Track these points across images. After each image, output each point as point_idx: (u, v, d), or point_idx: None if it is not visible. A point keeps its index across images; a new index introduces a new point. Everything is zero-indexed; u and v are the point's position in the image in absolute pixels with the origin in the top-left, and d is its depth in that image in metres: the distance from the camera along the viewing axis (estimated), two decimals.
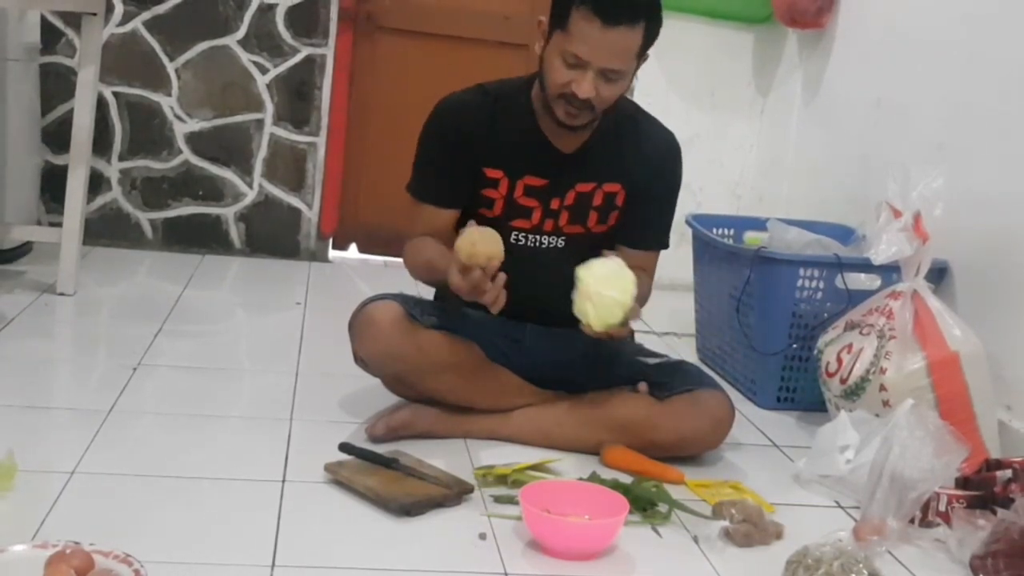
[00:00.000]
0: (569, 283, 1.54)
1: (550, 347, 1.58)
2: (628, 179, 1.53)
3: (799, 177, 2.55)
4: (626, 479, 1.41)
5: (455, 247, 1.32)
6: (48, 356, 1.84)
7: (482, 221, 1.50)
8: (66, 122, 2.30)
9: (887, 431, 1.39)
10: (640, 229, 1.55)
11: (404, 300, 1.51)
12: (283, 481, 1.34)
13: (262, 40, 2.59)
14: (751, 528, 1.29)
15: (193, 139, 2.61)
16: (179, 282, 2.34)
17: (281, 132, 2.65)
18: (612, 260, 1.37)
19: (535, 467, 1.43)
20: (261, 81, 2.61)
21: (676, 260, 2.39)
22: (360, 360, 1.54)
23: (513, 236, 1.52)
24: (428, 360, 1.48)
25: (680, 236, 2.31)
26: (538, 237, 1.53)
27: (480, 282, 1.30)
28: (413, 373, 1.50)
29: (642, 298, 1.50)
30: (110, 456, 1.37)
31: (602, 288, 1.32)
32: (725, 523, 1.28)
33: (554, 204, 1.51)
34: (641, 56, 1.42)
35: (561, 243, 1.54)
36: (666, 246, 1.60)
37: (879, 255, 1.62)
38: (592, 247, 1.57)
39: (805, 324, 1.86)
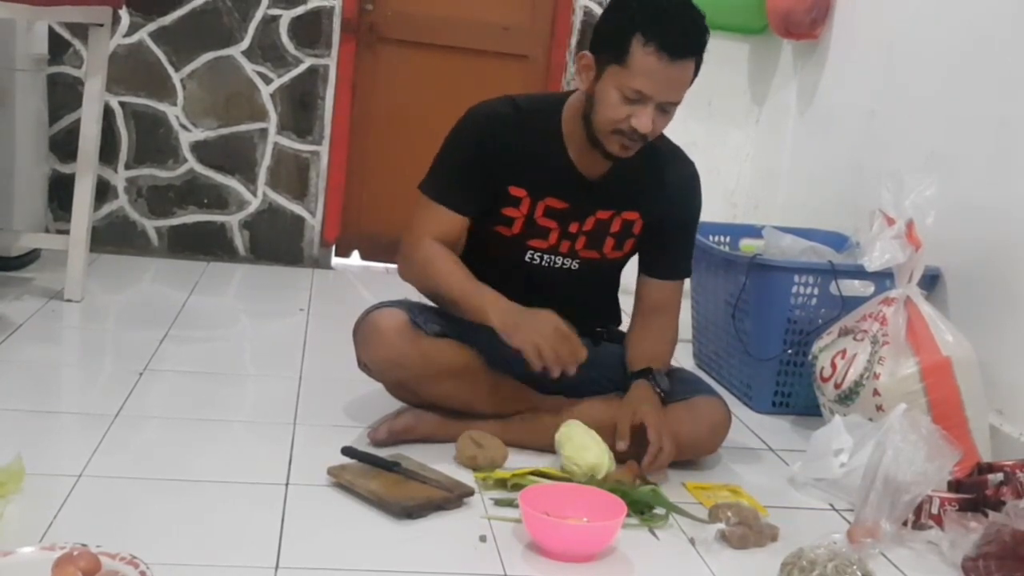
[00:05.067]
0: (579, 304, 1.54)
1: None
2: (647, 207, 1.54)
3: (794, 185, 2.58)
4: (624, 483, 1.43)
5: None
6: (55, 361, 1.87)
7: (499, 239, 1.53)
8: (73, 131, 2.33)
9: (880, 435, 1.41)
10: (664, 260, 1.58)
11: (408, 307, 1.53)
12: (287, 484, 1.36)
13: (266, 51, 2.62)
14: (746, 530, 1.31)
15: (198, 148, 2.64)
16: (184, 288, 2.36)
17: (285, 141, 2.68)
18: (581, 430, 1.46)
19: (535, 471, 1.45)
20: (265, 91, 2.64)
21: None
22: (364, 366, 1.55)
23: (528, 255, 1.53)
24: (431, 367, 1.49)
25: None
26: (553, 258, 1.54)
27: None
28: (416, 379, 1.51)
29: (671, 343, 1.59)
30: (117, 459, 1.39)
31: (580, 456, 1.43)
32: (721, 526, 1.30)
33: (573, 228, 1.52)
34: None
35: (575, 265, 1.55)
36: (689, 274, 1.62)
37: (873, 262, 1.63)
38: (605, 272, 1.59)
39: (800, 330, 1.88)
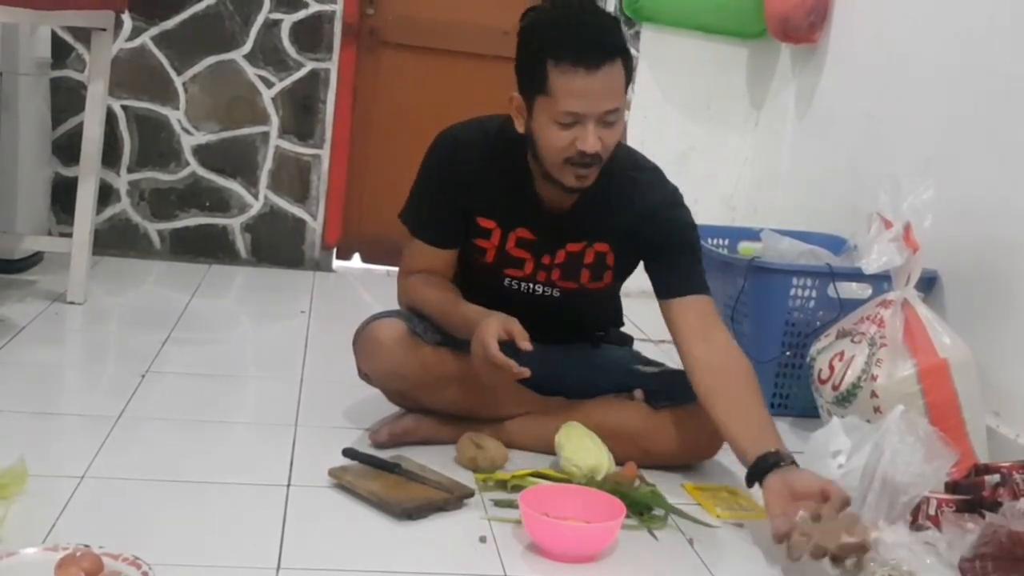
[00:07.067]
0: (571, 323, 1.52)
1: (549, 357, 1.60)
2: (617, 238, 1.49)
3: (792, 188, 2.59)
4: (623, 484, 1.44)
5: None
6: (58, 363, 1.88)
7: (477, 266, 1.53)
8: (76, 135, 2.34)
9: (878, 437, 1.41)
10: (672, 278, 1.46)
11: (408, 317, 1.52)
12: (288, 485, 1.37)
13: (268, 55, 2.64)
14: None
15: (200, 151, 2.66)
16: (186, 291, 2.37)
17: (286, 145, 2.69)
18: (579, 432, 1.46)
19: (534, 473, 1.45)
20: (267, 95, 2.66)
21: None
22: (364, 376, 1.55)
23: (506, 282, 1.53)
24: (431, 376, 1.50)
25: None
26: (531, 286, 1.53)
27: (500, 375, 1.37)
28: (416, 388, 1.52)
29: (751, 371, 1.39)
30: (119, 461, 1.39)
31: (579, 458, 1.44)
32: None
33: (545, 260, 1.51)
34: (627, 90, 1.38)
35: (556, 294, 1.54)
36: (707, 291, 1.48)
37: (870, 265, 1.64)
38: (590, 299, 1.56)
39: (798, 332, 1.89)
